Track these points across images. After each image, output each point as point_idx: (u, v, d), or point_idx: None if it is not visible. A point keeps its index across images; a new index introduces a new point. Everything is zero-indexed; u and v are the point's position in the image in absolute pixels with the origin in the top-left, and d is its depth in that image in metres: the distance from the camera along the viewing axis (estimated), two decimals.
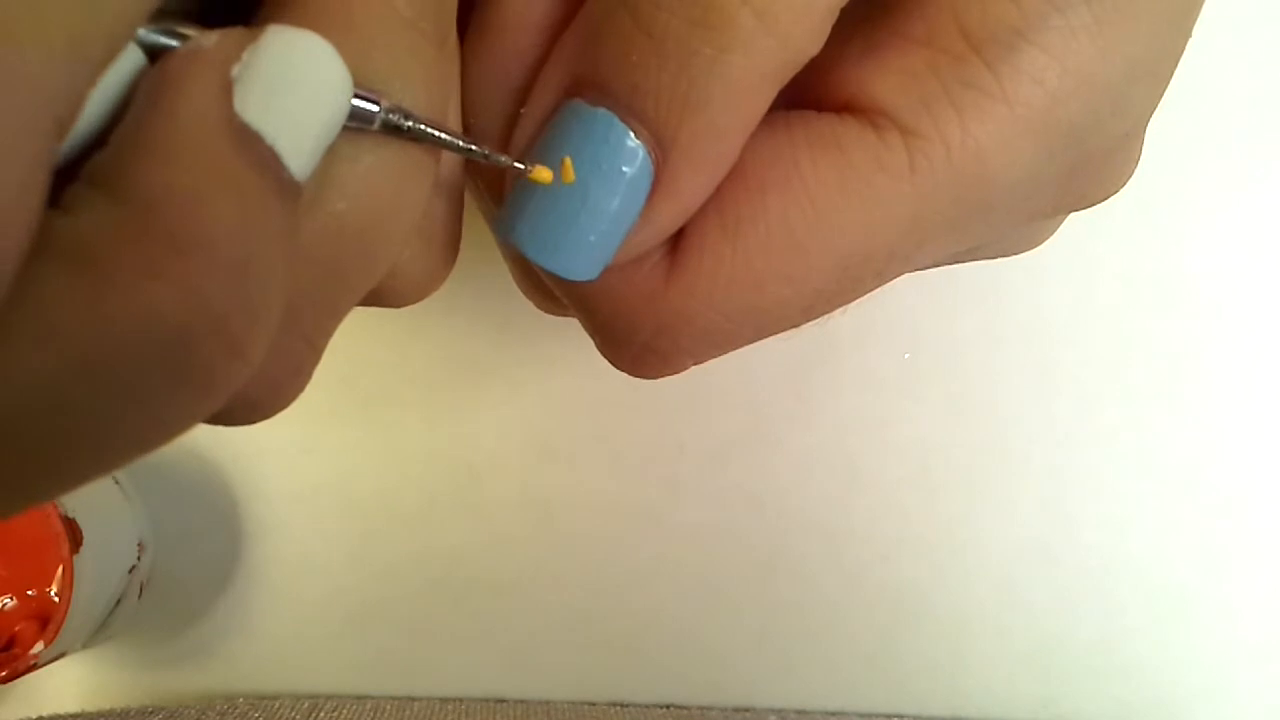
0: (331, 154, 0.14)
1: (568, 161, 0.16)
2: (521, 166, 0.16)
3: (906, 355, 0.40)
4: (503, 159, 0.16)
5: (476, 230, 0.19)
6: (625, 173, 0.15)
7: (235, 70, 0.12)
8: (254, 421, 0.15)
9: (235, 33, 0.13)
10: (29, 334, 0.11)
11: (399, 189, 0.15)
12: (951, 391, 0.40)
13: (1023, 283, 0.40)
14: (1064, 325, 0.40)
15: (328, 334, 0.16)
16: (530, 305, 0.21)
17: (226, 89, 0.12)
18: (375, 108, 0.14)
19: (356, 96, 0.14)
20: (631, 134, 0.15)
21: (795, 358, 0.39)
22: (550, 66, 0.16)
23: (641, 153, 0.15)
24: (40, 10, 0.10)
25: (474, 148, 0.16)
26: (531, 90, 0.16)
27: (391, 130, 0.14)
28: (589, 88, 0.15)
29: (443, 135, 0.15)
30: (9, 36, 0.10)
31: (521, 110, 0.17)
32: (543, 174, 0.16)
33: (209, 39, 0.13)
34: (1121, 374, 0.40)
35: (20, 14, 0.10)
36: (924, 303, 0.40)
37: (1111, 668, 0.41)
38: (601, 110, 0.15)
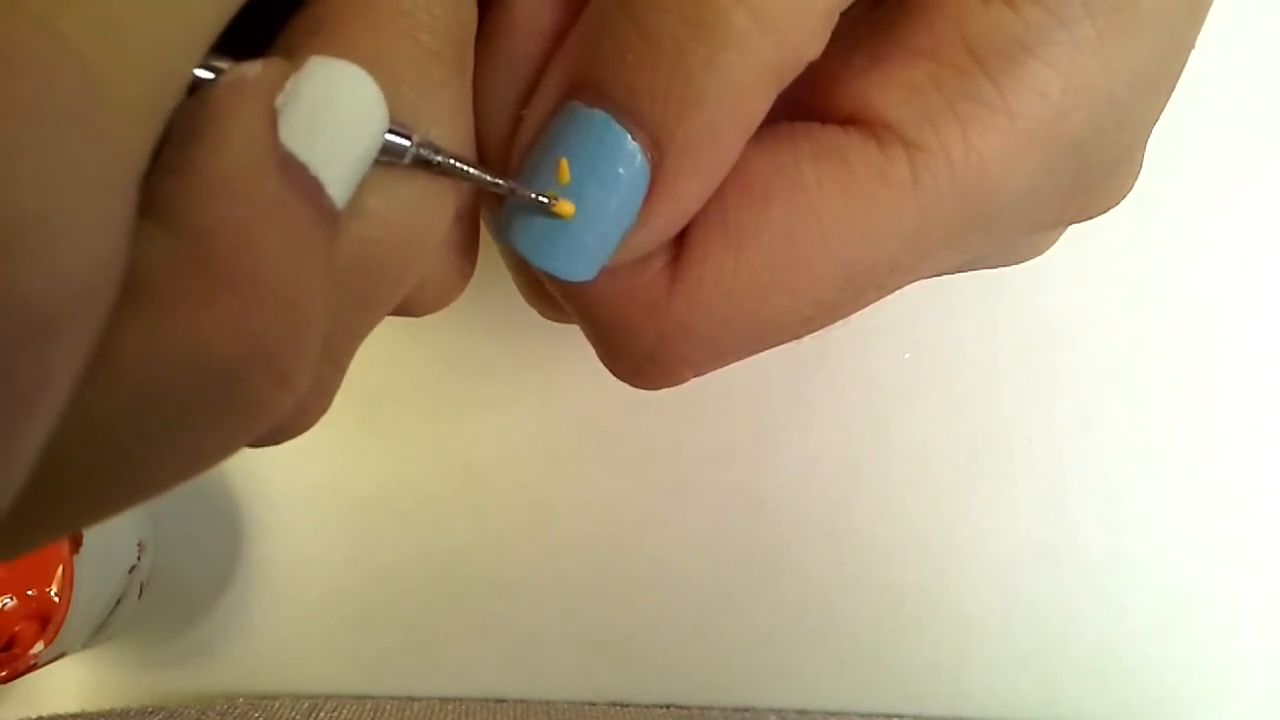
0: (365, 185, 0.14)
1: (564, 163, 0.16)
2: (546, 200, 0.16)
3: (907, 356, 0.40)
4: (530, 194, 0.16)
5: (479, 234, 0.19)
6: (622, 174, 0.15)
7: (279, 100, 0.12)
8: (279, 443, 0.15)
9: (277, 63, 0.13)
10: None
11: (428, 218, 0.15)
12: (952, 392, 0.40)
13: (1023, 284, 0.39)
14: (1065, 326, 0.40)
15: (351, 355, 0.16)
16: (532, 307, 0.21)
17: (272, 118, 0.12)
18: (407, 143, 0.14)
19: (390, 132, 0.14)
20: (628, 135, 0.15)
21: (796, 359, 0.39)
22: (551, 69, 0.16)
23: (638, 154, 0.15)
24: (128, 80, 0.10)
25: (501, 182, 0.16)
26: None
27: (421, 164, 0.14)
28: (586, 89, 0.15)
29: (471, 170, 0.15)
30: (105, 105, 0.10)
31: (523, 112, 0.16)
32: (565, 208, 0.16)
33: (252, 69, 0.13)
34: (1123, 375, 0.40)
35: (114, 89, 0.10)
36: (924, 304, 0.39)
37: (1114, 669, 0.41)
38: (598, 111, 0.15)
